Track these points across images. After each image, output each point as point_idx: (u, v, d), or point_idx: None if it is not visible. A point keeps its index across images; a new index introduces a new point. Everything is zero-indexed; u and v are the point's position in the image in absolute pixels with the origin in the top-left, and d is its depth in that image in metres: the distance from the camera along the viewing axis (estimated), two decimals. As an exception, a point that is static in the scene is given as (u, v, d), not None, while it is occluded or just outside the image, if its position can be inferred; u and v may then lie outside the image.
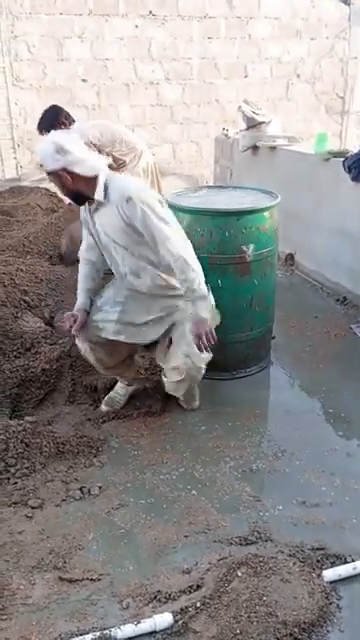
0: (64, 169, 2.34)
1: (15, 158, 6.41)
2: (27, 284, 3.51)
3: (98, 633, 1.66)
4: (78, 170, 2.34)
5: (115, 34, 6.33)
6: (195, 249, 2.90)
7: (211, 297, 2.48)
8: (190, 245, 2.47)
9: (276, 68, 7.12)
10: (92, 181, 2.38)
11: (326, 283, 4.38)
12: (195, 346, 2.42)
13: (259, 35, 6.89)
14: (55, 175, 2.38)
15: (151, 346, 2.80)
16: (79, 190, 2.41)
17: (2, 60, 6.04)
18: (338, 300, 4.14)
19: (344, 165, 3.86)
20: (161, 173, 4.20)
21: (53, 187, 6.51)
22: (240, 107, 5.01)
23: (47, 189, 6.28)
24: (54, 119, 3.97)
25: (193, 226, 2.90)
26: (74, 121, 4.04)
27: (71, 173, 2.35)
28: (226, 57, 6.84)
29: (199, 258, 2.90)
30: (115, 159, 4.10)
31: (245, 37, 6.84)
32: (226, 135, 6.00)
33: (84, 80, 6.37)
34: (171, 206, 3.02)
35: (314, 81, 7.36)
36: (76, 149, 2.36)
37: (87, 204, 2.48)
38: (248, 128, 5.06)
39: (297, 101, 7.35)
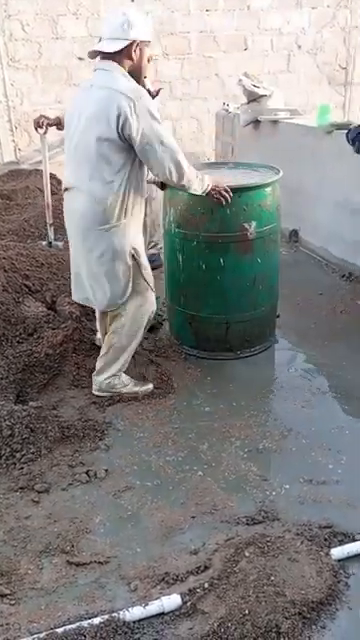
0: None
1: (13, 141, 6.33)
2: (28, 268, 3.48)
3: (107, 616, 1.66)
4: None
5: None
6: (196, 228, 2.89)
7: None
8: None
9: (276, 39, 6.94)
10: None
11: (331, 259, 4.32)
12: None
13: (258, 6, 6.70)
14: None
15: None
16: None
17: (-4, 40, 5.92)
18: (343, 276, 4.08)
19: (347, 137, 3.77)
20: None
21: (52, 170, 6.35)
22: (240, 80, 4.89)
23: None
24: None
25: (194, 204, 2.85)
26: None
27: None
28: (225, 30, 6.68)
29: (200, 237, 2.89)
30: None
31: (244, 8, 6.66)
32: (227, 110, 5.89)
33: (80, 58, 6.23)
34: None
35: (316, 52, 7.17)
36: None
37: None
38: (249, 102, 4.95)
39: (298, 73, 7.17)
